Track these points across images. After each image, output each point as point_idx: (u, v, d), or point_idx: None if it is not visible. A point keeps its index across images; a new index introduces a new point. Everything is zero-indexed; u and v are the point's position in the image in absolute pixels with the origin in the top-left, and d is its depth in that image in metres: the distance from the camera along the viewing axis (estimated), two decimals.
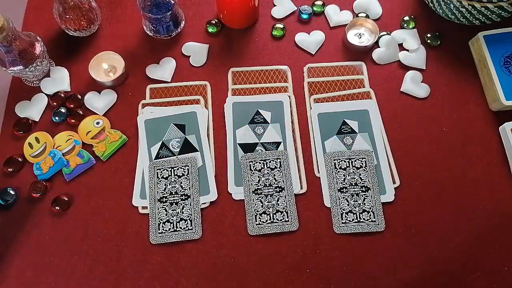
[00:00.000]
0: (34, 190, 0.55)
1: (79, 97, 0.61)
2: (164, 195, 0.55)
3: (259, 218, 0.54)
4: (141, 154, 0.58)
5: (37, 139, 0.58)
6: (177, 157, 0.57)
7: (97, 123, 0.59)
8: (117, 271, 0.52)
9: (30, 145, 0.58)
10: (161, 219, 0.54)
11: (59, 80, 0.62)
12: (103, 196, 0.56)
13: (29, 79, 0.61)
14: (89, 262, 0.53)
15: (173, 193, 0.55)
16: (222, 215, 0.55)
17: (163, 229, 0.54)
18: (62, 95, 0.61)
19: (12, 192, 0.55)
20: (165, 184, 0.56)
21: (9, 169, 0.57)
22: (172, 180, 0.56)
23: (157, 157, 0.57)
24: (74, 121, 0.59)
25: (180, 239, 0.53)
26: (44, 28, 0.65)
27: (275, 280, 0.52)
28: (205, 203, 0.55)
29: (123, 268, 0.53)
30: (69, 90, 0.62)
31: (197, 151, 0.58)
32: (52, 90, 0.61)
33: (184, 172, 0.56)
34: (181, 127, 0.59)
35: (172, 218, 0.54)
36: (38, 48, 0.58)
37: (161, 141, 0.58)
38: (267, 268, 0.53)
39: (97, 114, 0.60)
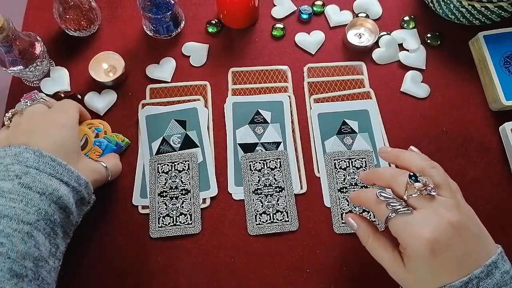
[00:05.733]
0: None
1: (79, 97, 0.61)
2: (165, 190, 0.55)
3: (259, 218, 0.54)
4: (142, 149, 0.58)
5: None
6: (177, 152, 0.57)
7: (97, 129, 0.56)
8: (116, 271, 0.52)
9: None
10: (161, 213, 0.54)
11: (59, 80, 0.62)
12: (103, 196, 0.56)
13: (29, 79, 0.61)
14: (89, 262, 0.53)
15: (173, 187, 0.56)
16: (222, 215, 0.55)
17: (162, 223, 0.54)
18: (62, 95, 0.61)
19: None
20: (165, 179, 0.56)
21: None
22: (173, 174, 0.56)
23: (158, 152, 0.58)
24: None
25: (180, 233, 0.54)
26: (44, 28, 0.65)
27: (275, 280, 0.52)
28: (205, 203, 0.55)
29: (122, 268, 0.53)
30: (69, 90, 0.62)
31: (198, 147, 0.58)
32: (52, 90, 0.61)
33: (185, 167, 0.56)
34: (182, 123, 0.59)
35: (172, 212, 0.54)
36: (38, 48, 0.58)
37: (162, 137, 0.58)
38: (267, 268, 0.53)
39: (95, 118, 0.59)
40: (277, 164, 0.57)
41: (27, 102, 0.47)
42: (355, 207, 0.55)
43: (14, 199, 0.37)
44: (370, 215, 0.54)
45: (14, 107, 0.49)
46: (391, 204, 0.38)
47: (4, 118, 0.48)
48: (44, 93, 0.61)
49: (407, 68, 0.63)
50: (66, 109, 0.48)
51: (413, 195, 0.38)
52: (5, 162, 0.39)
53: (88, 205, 0.47)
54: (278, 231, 0.54)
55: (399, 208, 0.37)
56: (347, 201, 0.55)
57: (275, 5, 0.68)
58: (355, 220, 0.44)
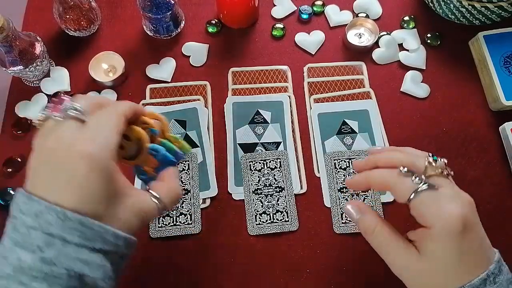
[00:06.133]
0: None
1: None
2: None
3: (259, 218, 0.54)
4: None
5: (126, 137, 0.39)
6: None
7: (152, 131, 0.41)
8: None
9: (121, 146, 0.39)
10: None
11: (59, 80, 0.62)
12: None
13: (29, 79, 0.61)
14: None
15: None
16: (222, 215, 0.55)
17: (162, 223, 0.54)
18: (62, 95, 0.61)
19: (12, 192, 0.55)
20: None
21: (8, 169, 0.57)
22: None
23: None
24: None
25: (180, 233, 0.54)
26: (44, 28, 0.65)
27: (275, 280, 0.52)
28: (205, 203, 0.55)
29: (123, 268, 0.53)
30: (69, 90, 0.62)
31: (198, 147, 0.58)
32: (52, 90, 0.61)
33: (185, 167, 0.56)
34: (182, 123, 0.59)
35: (172, 212, 0.54)
36: (38, 48, 0.58)
37: None
38: (267, 268, 0.53)
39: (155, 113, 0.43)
40: (277, 164, 0.57)
41: (56, 116, 0.34)
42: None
43: (36, 277, 0.31)
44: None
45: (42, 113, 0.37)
46: (418, 178, 0.35)
47: (35, 120, 0.36)
48: (45, 93, 0.61)
49: (407, 68, 0.63)
50: (102, 126, 0.34)
51: (433, 173, 0.36)
52: (26, 221, 0.32)
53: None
54: (278, 231, 0.54)
55: (427, 183, 0.35)
56: (347, 201, 0.55)
57: (275, 5, 0.68)
58: (357, 208, 0.39)
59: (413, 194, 0.35)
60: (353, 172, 0.56)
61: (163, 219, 0.54)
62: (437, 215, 0.34)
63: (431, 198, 0.34)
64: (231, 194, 0.56)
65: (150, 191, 0.38)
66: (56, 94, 0.61)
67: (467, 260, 0.35)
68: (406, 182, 0.35)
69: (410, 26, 0.66)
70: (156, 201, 0.37)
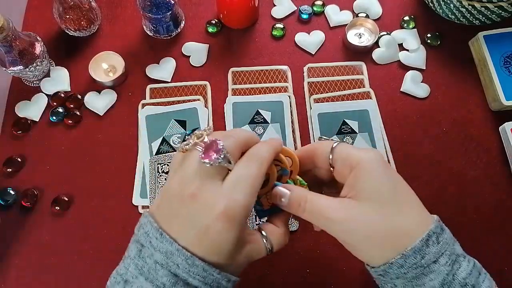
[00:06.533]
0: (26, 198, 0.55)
1: (79, 97, 0.61)
2: None
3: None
4: (142, 149, 0.58)
5: None
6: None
7: (283, 171, 0.41)
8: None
9: None
10: None
11: (59, 80, 0.62)
12: (103, 196, 0.56)
13: (29, 79, 0.61)
14: (89, 262, 0.53)
15: None
16: None
17: None
18: (62, 95, 0.61)
19: (12, 192, 0.55)
20: (165, 179, 0.56)
21: (8, 169, 0.57)
22: None
23: (157, 152, 0.58)
24: (71, 122, 0.59)
25: None
26: (44, 28, 0.65)
27: (275, 280, 0.52)
28: None
29: None
30: (69, 90, 0.62)
31: None
32: (52, 90, 0.61)
33: None
34: (182, 123, 0.59)
35: None
36: (38, 48, 0.58)
37: (162, 137, 0.58)
38: (268, 268, 0.53)
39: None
40: None
41: (206, 162, 0.34)
42: None
43: None
44: None
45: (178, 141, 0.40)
46: (334, 139, 0.40)
47: (185, 142, 0.36)
48: (45, 93, 0.61)
49: (407, 68, 0.63)
50: (244, 184, 0.34)
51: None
52: (155, 256, 0.33)
53: None
54: None
55: (342, 141, 0.40)
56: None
57: (275, 5, 0.68)
58: (285, 186, 0.38)
59: (334, 144, 0.38)
60: None
61: None
62: (358, 154, 0.37)
63: (349, 146, 0.38)
64: None
65: (262, 232, 0.39)
66: (56, 94, 0.60)
67: (401, 190, 0.36)
68: (326, 141, 0.40)
69: (410, 26, 0.66)
70: (267, 243, 0.38)
